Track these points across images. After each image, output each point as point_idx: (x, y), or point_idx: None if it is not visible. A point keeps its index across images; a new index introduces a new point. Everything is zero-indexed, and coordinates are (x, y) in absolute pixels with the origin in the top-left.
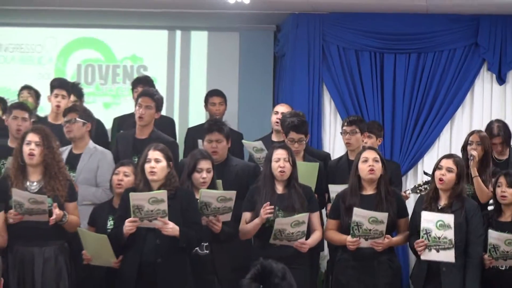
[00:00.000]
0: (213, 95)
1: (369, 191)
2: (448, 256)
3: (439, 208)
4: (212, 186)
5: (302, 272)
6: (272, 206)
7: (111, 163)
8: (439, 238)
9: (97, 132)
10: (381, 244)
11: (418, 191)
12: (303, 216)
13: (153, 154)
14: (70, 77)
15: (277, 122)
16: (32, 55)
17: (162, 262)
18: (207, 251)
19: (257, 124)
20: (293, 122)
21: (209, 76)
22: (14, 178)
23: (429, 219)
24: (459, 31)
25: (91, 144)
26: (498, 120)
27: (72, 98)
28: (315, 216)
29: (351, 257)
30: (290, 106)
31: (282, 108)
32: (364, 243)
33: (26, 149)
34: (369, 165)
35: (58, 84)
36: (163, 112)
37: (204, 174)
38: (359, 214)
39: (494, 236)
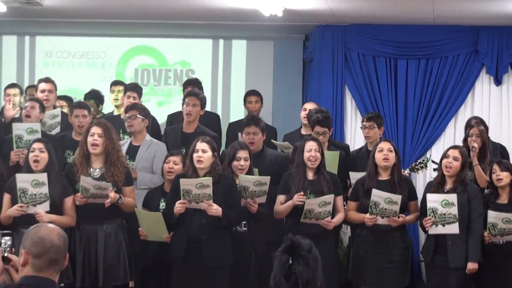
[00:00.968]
0: (250, 94)
1: (384, 176)
2: (453, 228)
3: (445, 191)
4: (250, 172)
5: (328, 247)
6: (305, 196)
7: (165, 153)
8: (444, 214)
9: (151, 127)
10: (396, 221)
11: (414, 170)
12: (329, 197)
13: (201, 145)
14: (128, 79)
15: (305, 117)
16: (96, 61)
17: (207, 238)
18: (246, 229)
19: (289, 119)
20: (318, 118)
21: (247, 78)
22: (79, 165)
23: (434, 200)
24: (461, 39)
25: (148, 137)
26: (475, 117)
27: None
28: (339, 199)
29: (369, 233)
30: (317, 103)
31: (310, 105)
32: (380, 220)
33: (90, 140)
34: (384, 154)
35: (131, 87)
36: (209, 109)
37: (242, 162)
38: (377, 195)
39: (492, 215)
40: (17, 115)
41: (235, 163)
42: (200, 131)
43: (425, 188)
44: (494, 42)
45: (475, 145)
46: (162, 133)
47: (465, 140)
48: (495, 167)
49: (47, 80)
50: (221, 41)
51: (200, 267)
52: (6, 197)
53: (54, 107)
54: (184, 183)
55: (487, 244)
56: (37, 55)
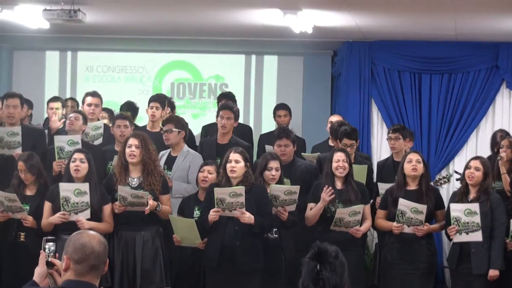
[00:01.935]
0: (280, 108)
1: (412, 186)
2: (476, 236)
3: (469, 200)
4: (280, 182)
5: (355, 253)
6: (331, 188)
7: (200, 163)
8: (467, 223)
9: (188, 137)
10: (421, 230)
11: (438, 183)
12: (359, 207)
13: (234, 156)
14: (165, 93)
15: (330, 129)
16: (135, 75)
17: (240, 245)
18: (276, 236)
19: (318, 131)
20: (346, 130)
21: (278, 92)
22: (118, 175)
23: (458, 209)
24: (482, 55)
25: (185, 147)
26: (501, 130)
27: (169, 110)
28: (367, 208)
29: (396, 240)
30: (344, 116)
31: (334, 118)
32: (406, 229)
33: (127, 151)
34: (413, 164)
35: (153, 98)
36: (241, 121)
37: (274, 172)
38: (403, 204)
39: None
40: (61, 126)
41: (266, 173)
42: (234, 142)
43: (449, 198)
44: None
45: (503, 155)
46: (197, 144)
47: (496, 150)
48: None
49: (94, 94)
50: (253, 57)
51: (233, 272)
52: (47, 205)
53: (98, 119)
54: (218, 192)
55: (510, 251)
56: (79, 69)
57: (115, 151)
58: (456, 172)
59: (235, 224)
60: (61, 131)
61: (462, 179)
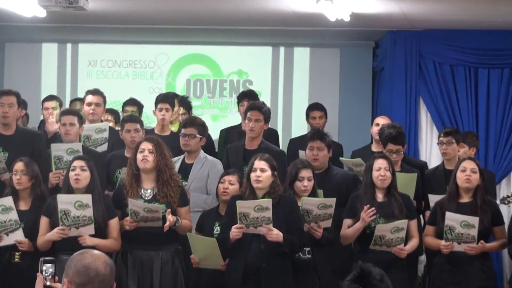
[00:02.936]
0: (314, 109)
1: (465, 199)
2: None
3: None
4: (313, 193)
5: (401, 277)
6: (374, 208)
7: (221, 172)
8: None
9: (205, 143)
10: (474, 248)
11: (506, 202)
12: (402, 223)
13: (259, 163)
14: (179, 91)
15: (377, 133)
16: (145, 70)
17: (266, 266)
18: (309, 256)
19: (357, 135)
20: (391, 134)
21: (311, 89)
22: (129, 186)
23: None
24: None
25: (202, 154)
26: None
27: (182, 110)
28: (413, 223)
29: (446, 261)
30: (389, 117)
31: (382, 120)
32: (457, 247)
33: (139, 156)
34: (467, 174)
35: (161, 98)
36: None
37: (306, 183)
38: (451, 218)
39: None
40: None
41: (297, 183)
42: (264, 147)
43: None
44: None
45: None
46: (217, 150)
47: None
48: None
49: (95, 92)
50: (282, 49)
51: None
52: (44, 220)
53: (101, 121)
54: (241, 206)
55: None
56: (80, 64)
57: (125, 157)
58: None
59: (260, 242)
60: (57, 136)
61: None
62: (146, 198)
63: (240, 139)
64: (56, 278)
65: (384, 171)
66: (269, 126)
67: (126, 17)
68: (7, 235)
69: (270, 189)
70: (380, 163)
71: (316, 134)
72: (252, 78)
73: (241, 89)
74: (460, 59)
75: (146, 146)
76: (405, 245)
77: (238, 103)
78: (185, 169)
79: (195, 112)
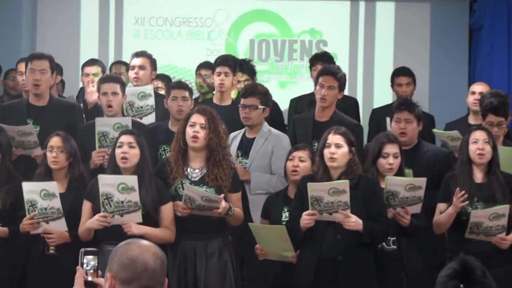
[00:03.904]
0: (400, 74)
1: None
2: None
3: None
4: (400, 173)
5: (504, 271)
6: (464, 192)
7: (288, 148)
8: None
9: (272, 114)
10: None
11: None
12: (502, 208)
13: (333, 138)
14: (242, 53)
15: (474, 103)
16: (201, 29)
17: (343, 260)
18: (394, 247)
19: (451, 105)
20: (492, 104)
21: (396, 52)
22: (174, 163)
23: None
24: None
25: (265, 127)
26: None
27: (244, 76)
28: None
29: None
30: (489, 84)
31: (480, 88)
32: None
33: (189, 131)
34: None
35: (220, 61)
36: (345, 92)
37: (391, 160)
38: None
39: None
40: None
41: (381, 160)
42: (337, 119)
43: None
44: None
45: None
46: (286, 122)
47: None
48: None
49: (140, 53)
50: (362, 4)
51: None
52: (87, 205)
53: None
54: (313, 189)
55: None
56: (125, 23)
57: (169, 131)
58: None
59: (336, 231)
60: (98, 109)
61: None
62: (193, 179)
63: (310, 109)
64: (99, 272)
65: (483, 144)
66: (348, 94)
67: None
68: (47, 223)
69: (347, 168)
70: (478, 135)
71: (403, 104)
72: (327, 38)
73: (314, 51)
74: None
75: (198, 119)
76: (507, 234)
77: (311, 67)
78: (246, 145)
79: (260, 79)
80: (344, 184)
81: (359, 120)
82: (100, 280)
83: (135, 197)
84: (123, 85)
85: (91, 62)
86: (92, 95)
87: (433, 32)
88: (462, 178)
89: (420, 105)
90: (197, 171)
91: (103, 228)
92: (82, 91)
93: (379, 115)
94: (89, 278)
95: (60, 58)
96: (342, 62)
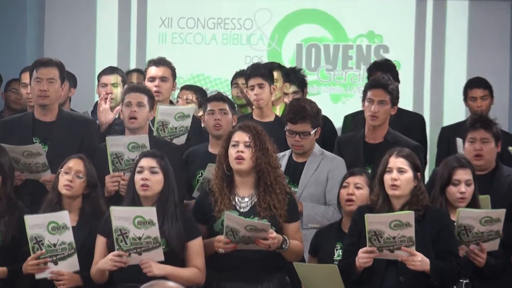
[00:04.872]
0: (474, 86)
1: None
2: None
3: None
4: (473, 203)
5: None
6: None
7: (343, 172)
8: None
9: (324, 132)
10: None
11: None
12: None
13: (396, 161)
14: (287, 61)
15: None
16: (239, 32)
17: None
18: None
19: None
20: None
21: (470, 59)
22: (218, 192)
23: None
24: None
25: (317, 148)
26: None
27: (292, 88)
28: None
29: None
30: None
31: None
32: None
33: (232, 152)
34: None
35: (250, 72)
36: (409, 107)
37: (463, 188)
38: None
39: None
40: (117, 116)
41: (451, 188)
42: (392, 140)
43: None
44: None
45: None
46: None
47: None
48: None
49: (159, 62)
50: (430, 2)
51: None
52: (100, 241)
53: (171, 102)
54: (372, 221)
55: None
56: (150, 24)
57: (208, 154)
58: None
59: (399, 272)
60: (114, 127)
61: None
62: (242, 210)
63: (360, 128)
64: None
65: None
66: (412, 109)
67: None
68: (56, 263)
69: (411, 197)
70: None
71: (478, 121)
72: (388, 43)
73: (373, 59)
74: None
75: (241, 137)
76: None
77: (369, 77)
78: (294, 170)
79: (309, 91)
80: (409, 216)
81: (425, 141)
82: None
83: (154, 232)
84: (152, 98)
85: (110, 70)
86: (106, 114)
87: None
88: None
89: (498, 123)
90: (246, 199)
91: (119, 269)
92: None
93: (450, 134)
94: None
95: (71, 67)
96: (406, 71)
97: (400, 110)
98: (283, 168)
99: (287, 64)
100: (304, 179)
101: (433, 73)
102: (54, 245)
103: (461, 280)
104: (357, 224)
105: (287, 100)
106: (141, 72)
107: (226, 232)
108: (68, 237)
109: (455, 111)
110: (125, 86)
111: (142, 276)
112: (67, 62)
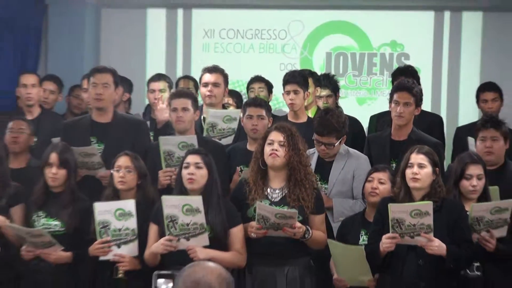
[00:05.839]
0: (485, 90)
1: None
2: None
3: None
4: (484, 195)
5: None
6: None
7: (368, 169)
8: None
9: (354, 132)
10: None
11: None
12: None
13: (417, 158)
14: (318, 67)
15: None
16: (274, 42)
17: (425, 286)
18: (478, 273)
19: None
20: None
21: (484, 65)
22: (253, 184)
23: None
24: None
25: (342, 148)
26: None
27: (325, 91)
28: None
29: None
30: None
31: None
32: None
33: (268, 149)
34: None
35: (287, 78)
36: (428, 108)
37: (475, 182)
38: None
39: None
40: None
41: (464, 182)
42: (416, 138)
43: None
44: None
45: None
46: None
47: None
48: None
49: (213, 69)
50: (447, 14)
51: None
52: (153, 228)
53: (223, 106)
54: (394, 210)
55: None
56: (194, 35)
57: (247, 151)
58: None
59: (418, 256)
60: (171, 125)
61: None
62: (273, 200)
63: (386, 128)
64: None
65: None
66: (431, 111)
67: None
68: (119, 246)
69: (430, 189)
70: None
71: (489, 121)
72: (409, 51)
73: (395, 65)
74: None
75: (276, 137)
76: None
77: (392, 82)
78: (323, 168)
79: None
80: (428, 205)
81: (443, 139)
82: None
83: (201, 218)
84: (195, 101)
85: (157, 77)
86: (162, 113)
87: None
88: None
89: (507, 122)
90: (277, 191)
91: (169, 253)
92: (148, 108)
93: (464, 133)
94: None
95: (125, 74)
96: (425, 76)
97: (422, 111)
98: (313, 166)
99: (318, 70)
100: (332, 178)
101: (449, 78)
102: (119, 230)
103: (473, 263)
104: (381, 213)
105: (320, 102)
106: (188, 78)
107: (258, 219)
108: (132, 223)
109: (469, 113)
110: (171, 92)
111: (189, 260)
112: (120, 70)
